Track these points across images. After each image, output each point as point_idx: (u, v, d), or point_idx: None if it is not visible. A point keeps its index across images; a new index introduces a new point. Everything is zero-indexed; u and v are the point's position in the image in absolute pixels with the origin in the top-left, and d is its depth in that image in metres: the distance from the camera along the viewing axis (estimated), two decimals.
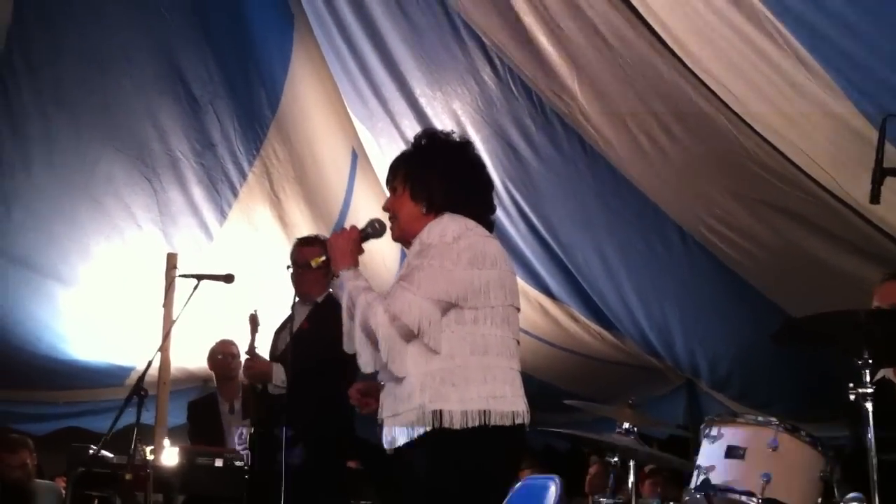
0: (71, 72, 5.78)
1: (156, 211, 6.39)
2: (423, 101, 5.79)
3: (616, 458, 4.16)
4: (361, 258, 3.08)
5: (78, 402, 7.33)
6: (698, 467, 3.49)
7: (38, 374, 7.03)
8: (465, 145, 3.14)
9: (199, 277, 4.94)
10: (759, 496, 3.24)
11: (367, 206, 6.47)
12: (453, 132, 3.19)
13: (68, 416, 7.29)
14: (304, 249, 4.77)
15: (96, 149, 6.07)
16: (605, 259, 6.05)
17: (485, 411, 2.74)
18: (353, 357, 2.92)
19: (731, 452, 3.38)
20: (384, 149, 6.27)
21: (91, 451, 4.85)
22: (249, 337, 4.79)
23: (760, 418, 3.52)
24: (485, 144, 5.60)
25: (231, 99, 6.13)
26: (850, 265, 4.94)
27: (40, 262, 6.42)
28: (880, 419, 3.03)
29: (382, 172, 3.31)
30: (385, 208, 3.11)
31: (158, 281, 6.01)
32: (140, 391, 4.38)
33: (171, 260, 6.04)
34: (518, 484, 4.64)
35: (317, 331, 4.44)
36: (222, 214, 6.53)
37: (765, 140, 4.49)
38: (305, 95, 6.40)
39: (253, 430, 4.96)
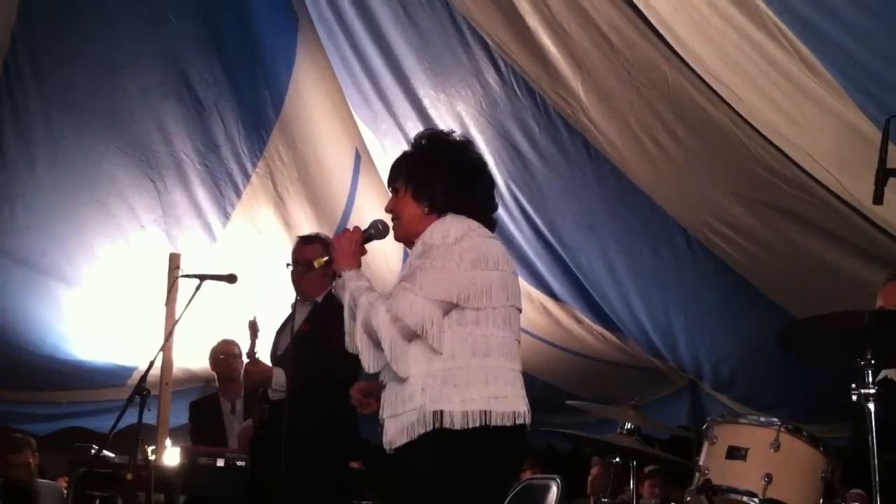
0: (76, 74, 5.80)
1: (159, 212, 6.41)
2: (426, 102, 5.79)
3: (617, 459, 4.15)
4: (364, 258, 3.09)
5: (80, 402, 7.34)
6: (700, 468, 3.49)
7: (41, 374, 7.05)
8: (466, 144, 3.14)
9: (202, 278, 4.93)
10: (761, 496, 3.24)
11: (371, 207, 6.47)
12: (453, 131, 3.20)
13: (70, 417, 7.30)
14: (305, 248, 4.77)
15: (100, 150, 6.09)
16: (608, 261, 6.05)
17: (486, 412, 2.73)
18: (357, 363, 2.92)
19: (733, 453, 3.38)
20: (388, 150, 6.27)
21: (93, 451, 4.85)
22: (249, 343, 4.81)
23: (762, 419, 3.51)
24: (489, 146, 5.61)
25: (235, 101, 6.14)
26: (853, 267, 4.93)
27: (44, 263, 6.44)
28: (882, 419, 3.03)
29: (386, 174, 3.30)
30: (388, 209, 3.11)
31: (161, 282, 6.03)
32: (142, 391, 4.36)
33: (174, 260, 6.06)
34: (519, 484, 4.63)
35: (318, 337, 4.42)
36: (225, 215, 6.55)
37: (768, 142, 4.49)
38: (309, 97, 6.41)
39: (254, 431, 4.97)
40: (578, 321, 6.79)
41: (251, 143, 6.30)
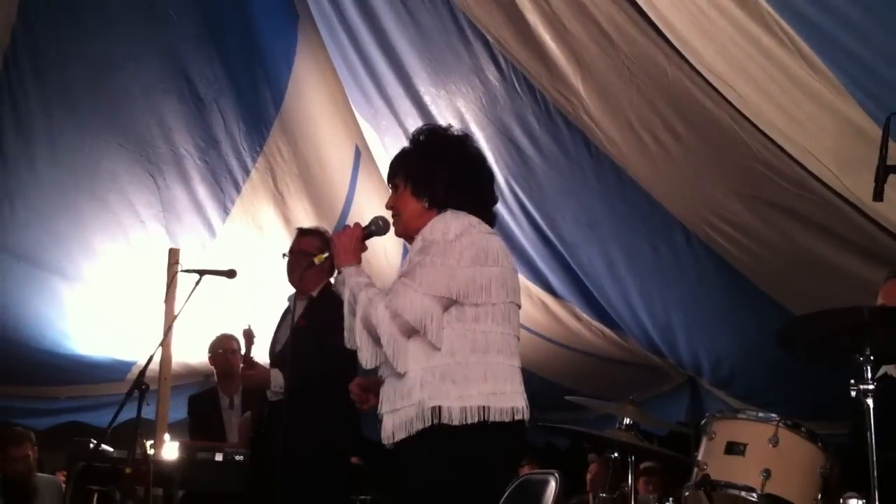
0: (75, 70, 5.80)
1: (159, 208, 6.41)
2: (427, 99, 5.80)
3: (616, 455, 4.15)
4: (363, 254, 3.09)
5: (79, 397, 7.34)
6: (698, 463, 3.49)
7: (41, 369, 7.05)
8: (465, 139, 3.14)
9: (201, 273, 4.93)
10: (759, 491, 3.25)
11: (371, 203, 6.47)
12: (451, 126, 3.20)
13: (69, 411, 7.30)
14: (303, 239, 4.79)
15: (100, 147, 6.09)
16: (608, 257, 6.05)
17: (484, 408, 2.74)
18: (355, 360, 2.92)
19: (732, 448, 3.38)
20: (388, 147, 6.27)
21: (92, 446, 4.86)
22: (245, 350, 4.82)
23: (761, 414, 3.53)
24: (489, 143, 5.61)
25: (235, 97, 6.15)
26: (853, 264, 4.93)
27: (45, 259, 6.44)
28: (882, 416, 3.03)
29: (386, 170, 3.31)
30: (388, 206, 3.12)
31: (161, 277, 6.02)
32: (141, 386, 4.36)
33: (174, 255, 6.05)
34: (517, 479, 4.63)
35: (315, 334, 4.42)
36: (225, 211, 6.55)
37: (768, 139, 4.49)
38: (309, 93, 6.41)
39: (254, 430, 4.98)
40: (578, 318, 6.79)
41: (251, 139, 6.30)
